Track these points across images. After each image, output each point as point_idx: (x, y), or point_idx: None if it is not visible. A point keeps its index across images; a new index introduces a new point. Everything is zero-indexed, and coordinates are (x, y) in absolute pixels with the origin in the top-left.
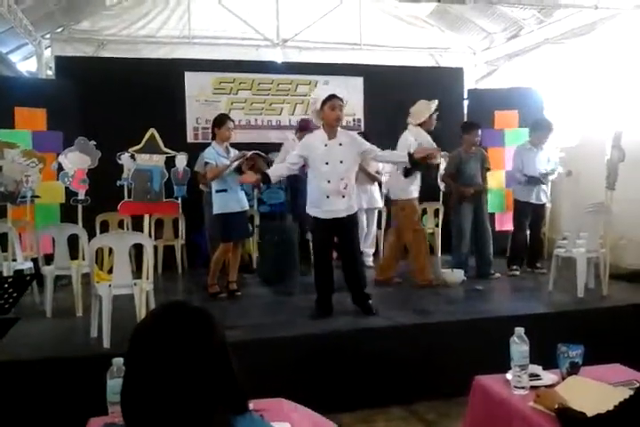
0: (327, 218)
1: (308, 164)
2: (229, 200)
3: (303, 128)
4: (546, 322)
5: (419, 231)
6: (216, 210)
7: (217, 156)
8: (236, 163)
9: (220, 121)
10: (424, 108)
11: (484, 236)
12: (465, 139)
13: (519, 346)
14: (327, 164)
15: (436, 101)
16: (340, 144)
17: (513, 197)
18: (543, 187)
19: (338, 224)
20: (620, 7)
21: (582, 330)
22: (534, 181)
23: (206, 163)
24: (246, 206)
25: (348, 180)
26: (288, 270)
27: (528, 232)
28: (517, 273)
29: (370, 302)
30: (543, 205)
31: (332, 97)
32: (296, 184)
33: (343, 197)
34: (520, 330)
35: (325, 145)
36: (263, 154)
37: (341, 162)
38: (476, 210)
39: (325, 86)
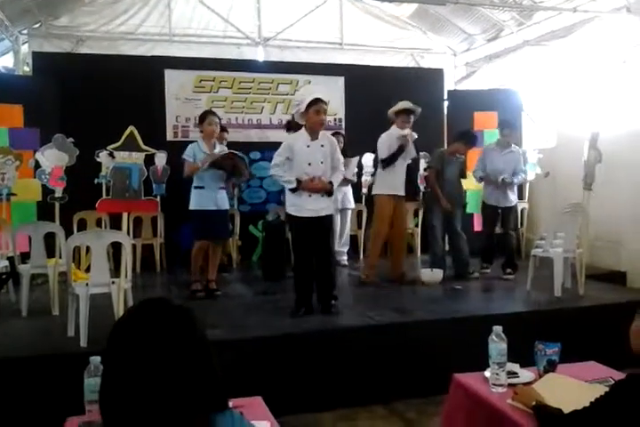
0: (308, 217)
1: (289, 164)
2: (204, 198)
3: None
4: (523, 321)
5: (392, 228)
6: (191, 206)
7: (198, 151)
8: (206, 164)
9: (202, 117)
10: (397, 105)
11: (458, 241)
12: (456, 147)
13: (497, 344)
14: (309, 164)
15: (417, 109)
16: (322, 146)
17: (481, 198)
18: (508, 189)
19: (317, 223)
20: (598, 10)
21: (559, 329)
22: (488, 181)
23: (184, 159)
24: (223, 206)
25: (327, 180)
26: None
27: (499, 232)
28: (488, 271)
29: (333, 302)
30: (510, 208)
31: (317, 101)
32: None
33: (322, 196)
34: (498, 328)
35: (308, 146)
36: (239, 153)
37: (322, 162)
38: (447, 216)
39: (310, 86)
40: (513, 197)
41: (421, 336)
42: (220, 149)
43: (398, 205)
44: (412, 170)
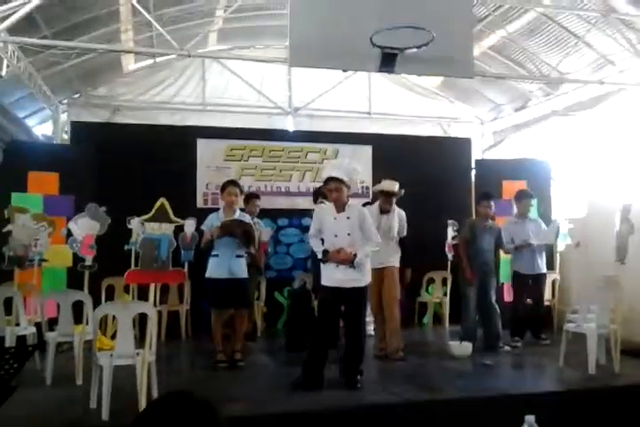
0: (335, 286)
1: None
2: (217, 266)
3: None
4: (557, 401)
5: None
6: (206, 274)
7: (216, 221)
8: (215, 234)
9: (222, 187)
10: (380, 185)
11: (490, 311)
12: (479, 210)
13: None
14: (336, 236)
15: (399, 192)
16: (348, 218)
17: (512, 268)
18: (538, 257)
19: (345, 294)
20: (624, 82)
21: (594, 411)
22: (521, 247)
23: (202, 230)
24: (239, 275)
25: (355, 251)
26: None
27: (529, 302)
28: (519, 344)
29: (359, 377)
30: (541, 275)
31: (327, 180)
32: None
33: (348, 267)
34: (531, 419)
35: (334, 218)
36: (245, 220)
37: (349, 234)
38: (481, 285)
39: (328, 162)
40: (543, 264)
41: (449, 416)
42: (242, 216)
43: (385, 275)
44: (404, 243)
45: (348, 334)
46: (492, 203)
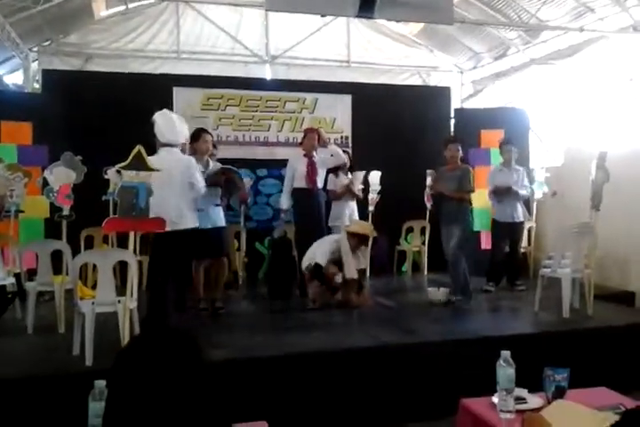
0: None
1: None
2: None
3: None
4: (532, 343)
5: None
6: None
7: None
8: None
9: (196, 135)
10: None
11: (452, 260)
12: (445, 155)
13: (505, 369)
14: None
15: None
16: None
17: (491, 216)
18: (519, 206)
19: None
20: (604, 30)
21: (568, 351)
22: (500, 192)
23: None
24: (218, 223)
25: None
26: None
27: (507, 250)
28: (492, 289)
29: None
30: (520, 224)
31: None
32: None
33: None
34: (506, 353)
35: None
36: (233, 168)
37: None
38: (445, 236)
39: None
40: (521, 213)
41: (429, 357)
42: (214, 165)
43: None
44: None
45: None
46: (459, 146)
